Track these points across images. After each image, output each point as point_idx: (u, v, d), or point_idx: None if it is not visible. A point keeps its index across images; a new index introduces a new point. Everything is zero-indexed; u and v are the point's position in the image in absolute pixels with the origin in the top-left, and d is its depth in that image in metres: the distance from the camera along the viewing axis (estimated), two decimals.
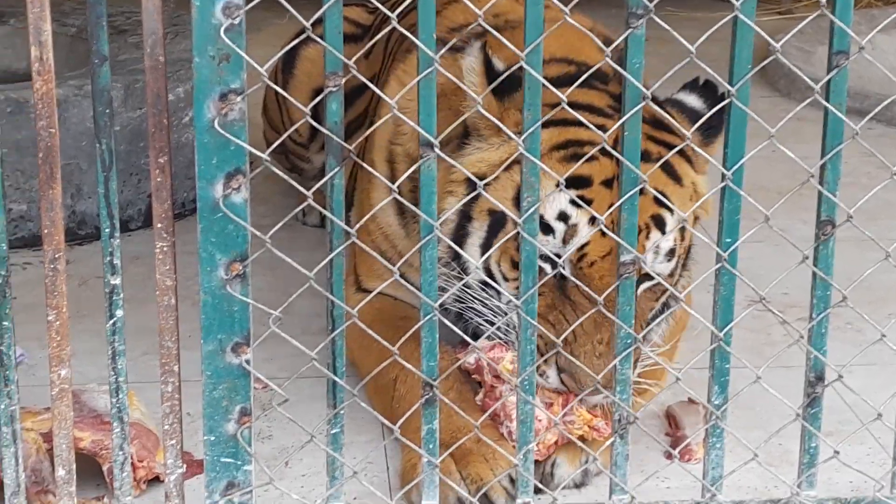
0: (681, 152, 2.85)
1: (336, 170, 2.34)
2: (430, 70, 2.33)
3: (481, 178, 2.75)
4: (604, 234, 2.72)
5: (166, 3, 4.26)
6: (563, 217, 2.79)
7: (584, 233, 2.78)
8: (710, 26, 2.40)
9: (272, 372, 3.20)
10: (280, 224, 2.38)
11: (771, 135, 2.53)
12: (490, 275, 2.87)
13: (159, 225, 2.40)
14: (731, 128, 2.46)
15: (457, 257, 2.89)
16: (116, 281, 2.45)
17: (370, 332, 2.46)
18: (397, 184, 2.47)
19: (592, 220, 2.77)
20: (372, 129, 2.78)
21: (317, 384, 2.73)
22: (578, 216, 2.78)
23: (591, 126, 2.53)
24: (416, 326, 2.46)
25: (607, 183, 2.79)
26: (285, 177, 2.41)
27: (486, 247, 2.87)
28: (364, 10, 4.21)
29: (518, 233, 2.44)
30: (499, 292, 2.87)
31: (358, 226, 2.41)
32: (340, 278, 2.40)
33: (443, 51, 2.34)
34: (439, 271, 2.85)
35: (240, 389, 2.41)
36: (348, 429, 2.54)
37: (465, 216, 2.88)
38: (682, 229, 2.85)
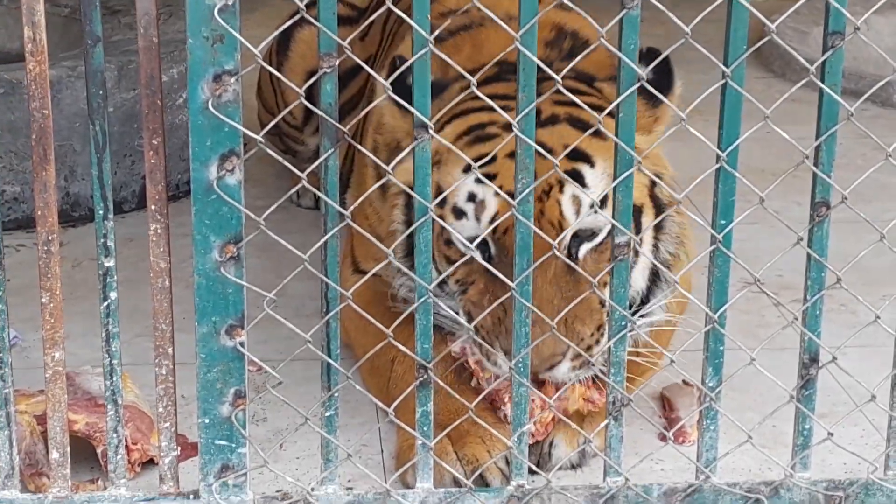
0: (598, 109, 2.75)
1: (330, 151, 2.33)
2: (424, 51, 2.32)
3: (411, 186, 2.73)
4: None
5: None
6: (471, 197, 2.81)
7: (493, 204, 2.79)
8: (705, 6, 2.39)
9: (266, 354, 3.19)
10: (274, 206, 2.38)
11: (766, 116, 2.52)
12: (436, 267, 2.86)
13: (153, 207, 2.39)
14: (725, 109, 2.45)
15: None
16: (110, 263, 2.44)
17: (365, 314, 2.45)
18: (392, 165, 2.46)
19: (499, 192, 2.77)
20: (367, 109, 2.78)
21: (311, 366, 2.72)
22: (484, 192, 2.80)
23: (497, 107, 2.49)
24: (411, 309, 2.46)
25: (512, 155, 2.77)
26: (279, 158, 2.41)
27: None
28: None
29: (437, 223, 2.50)
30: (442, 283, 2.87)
31: (352, 208, 2.41)
32: (335, 260, 2.40)
33: (436, 32, 2.34)
34: (400, 281, 2.92)
35: (234, 372, 2.41)
36: (342, 411, 2.54)
37: (407, 223, 2.87)
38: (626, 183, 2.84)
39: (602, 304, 2.76)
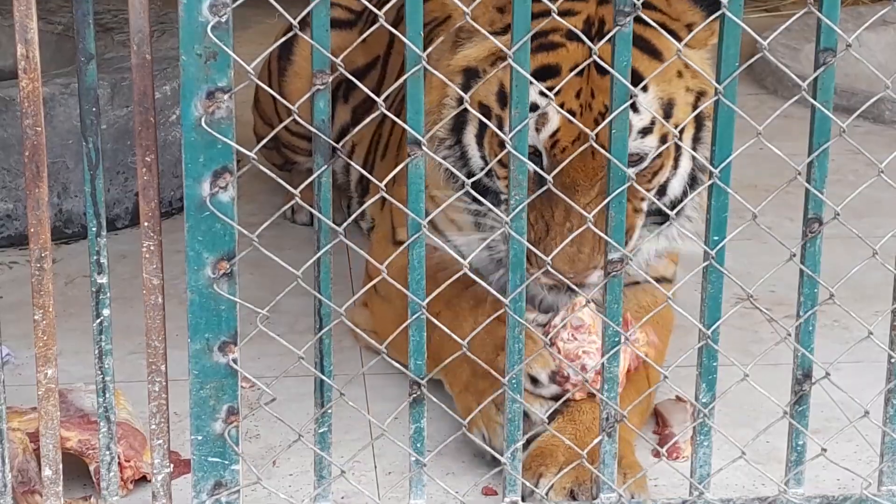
0: (662, 26, 2.79)
1: (323, 168, 2.33)
2: (417, 68, 2.32)
3: (471, 71, 2.93)
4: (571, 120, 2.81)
5: (153, 1, 4.26)
6: (533, 108, 2.79)
7: (555, 119, 2.84)
8: None
9: (259, 371, 3.19)
10: (267, 223, 2.38)
11: (758, 132, 2.53)
12: (486, 168, 2.92)
13: (146, 223, 2.39)
14: (718, 125, 2.46)
15: (458, 141, 3.04)
16: (103, 280, 2.44)
17: (398, 287, 2.49)
18: (428, 136, 2.43)
19: (562, 107, 2.83)
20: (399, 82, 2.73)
21: (304, 383, 2.72)
22: (546, 105, 2.82)
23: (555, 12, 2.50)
24: (405, 325, 2.46)
25: (576, 69, 2.81)
26: (273, 175, 2.41)
27: (479, 136, 3.01)
28: None
29: (502, 127, 2.56)
30: (496, 195, 3.00)
31: (352, 217, 2.42)
32: (328, 277, 2.40)
33: (429, 49, 2.34)
34: (443, 154, 3.00)
35: (227, 388, 2.41)
36: (336, 427, 2.54)
37: (461, 105, 2.95)
38: (670, 107, 2.87)
39: (636, 210, 2.92)
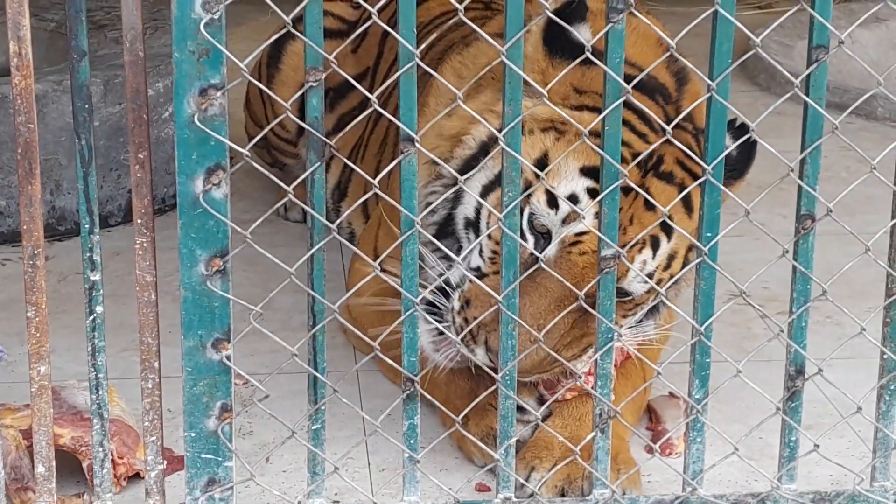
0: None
1: (316, 165, 2.33)
2: (410, 65, 2.32)
3: (526, 124, 2.76)
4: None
5: None
6: (573, 199, 2.77)
7: (588, 223, 2.74)
8: (691, 21, 2.40)
9: (253, 368, 3.19)
10: (261, 220, 2.38)
11: (751, 129, 2.53)
12: (476, 218, 2.87)
13: (139, 220, 2.39)
14: (711, 122, 2.46)
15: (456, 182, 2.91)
16: (96, 277, 2.44)
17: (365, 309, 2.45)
18: (434, 168, 2.40)
19: (598, 215, 2.76)
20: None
21: (297, 380, 2.72)
22: (588, 205, 2.75)
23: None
24: (397, 322, 2.46)
25: (626, 191, 2.71)
26: (266, 172, 2.41)
27: (487, 188, 2.86)
28: (349, 5, 4.20)
29: (524, 197, 2.45)
30: (460, 248, 2.89)
31: (340, 219, 2.41)
32: (321, 273, 2.40)
33: (422, 47, 2.34)
34: (433, 189, 2.90)
35: (220, 385, 2.41)
36: (329, 424, 2.54)
37: (484, 149, 2.86)
38: (671, 259, 2.85)
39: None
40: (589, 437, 2.60)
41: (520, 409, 2.85)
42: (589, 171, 2.74)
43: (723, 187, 2.50)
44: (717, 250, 2.52)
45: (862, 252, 2.63)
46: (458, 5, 2.31)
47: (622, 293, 2.76)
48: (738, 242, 3.53)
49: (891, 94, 2.63)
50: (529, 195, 2.73)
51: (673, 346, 3.11)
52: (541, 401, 2.94)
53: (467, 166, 2.87)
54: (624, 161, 2.73)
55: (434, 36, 2.65)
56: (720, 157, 2.47)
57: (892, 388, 2.69)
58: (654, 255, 2.82)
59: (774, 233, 2.63)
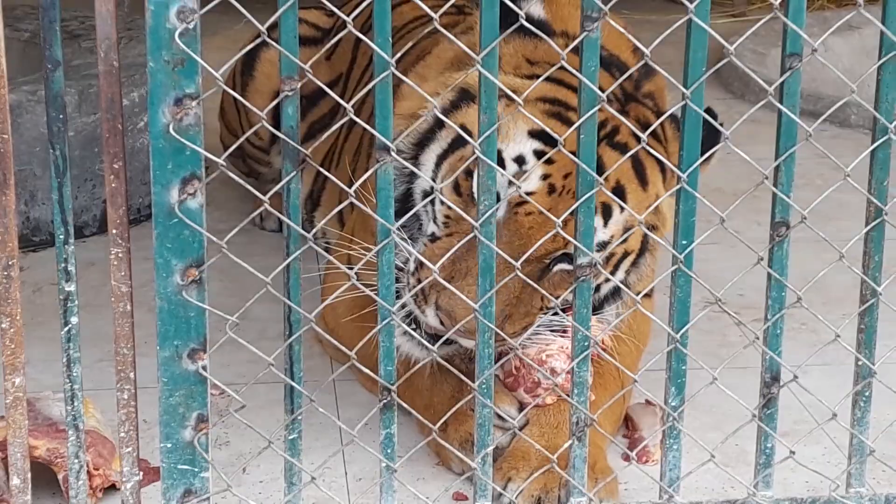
0: (659, 162, 2.87)
1: (292, 174, 2.33)
2: (385, 74, 2.32)
3: (467, 94, 2.88)
4: (550, 193, 2.80)
5: (120, 8, 4.24)
6: (520, 160, 2.81)
7: (534, 183, 2.80)
8: (665, 29, 2.41)
9: (229, 378, 3.18)
10: (236, 229, 2.38)
11: (725, 136, 2.54)
12: (432, 189, 2.90)
13: (114, 231, 2.38)
14: (685, 130, 2.47)
15: (415, 156, 2.96)
16: (71, 287, 2.43)
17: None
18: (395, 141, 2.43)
19: (545, 177, 2.81)
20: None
21: (274, 390, 2.72)
22: (535, 166, 2.80)
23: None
24: (374, 331, 2.46)
25: (572, 152, 2.78)
26: (241, 182, 2.40)
27: (441, 157, 2.94)
28: (323, 13, 4.20)
29: (472, 161, 2.47)
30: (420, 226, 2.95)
31: (316, 229, 2.41)
32: (297, 283, 2.40)
33: (398, 55, 2.34)
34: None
35: (196, 396, 2.40)
36: (306, 434, 2.54)
37: (439, 122, 2.93)
38: (627, 232, 2.87)
39: (541, 310, 2.87)
40: (566, 446, 2.61)
41: (498, 415, 2.86)
42: (537, 134, 2.80)
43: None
44: (692, 258, 2.53)
45: (836, 259, 2.64)
46: (432, 14, 2.31)
47: (570, 260, 2.76)
48: (714, 250, 3.55)
49: (864, 102, 2.64)
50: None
51: (649, 354, 3.11)
52: (520, 408, 2.94)
53: (424, 139, 2.95)
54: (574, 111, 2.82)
55: (409, 45, 2.66)
56: (695, 165, 2.48)
57: (867, 394, 2.70)
58: (606, 223, 2.85)
59: (749, 240, 2.64)
